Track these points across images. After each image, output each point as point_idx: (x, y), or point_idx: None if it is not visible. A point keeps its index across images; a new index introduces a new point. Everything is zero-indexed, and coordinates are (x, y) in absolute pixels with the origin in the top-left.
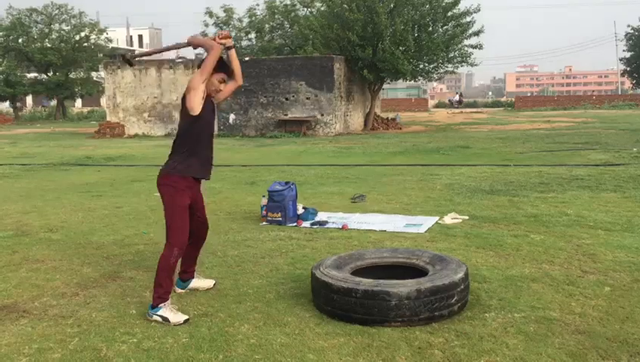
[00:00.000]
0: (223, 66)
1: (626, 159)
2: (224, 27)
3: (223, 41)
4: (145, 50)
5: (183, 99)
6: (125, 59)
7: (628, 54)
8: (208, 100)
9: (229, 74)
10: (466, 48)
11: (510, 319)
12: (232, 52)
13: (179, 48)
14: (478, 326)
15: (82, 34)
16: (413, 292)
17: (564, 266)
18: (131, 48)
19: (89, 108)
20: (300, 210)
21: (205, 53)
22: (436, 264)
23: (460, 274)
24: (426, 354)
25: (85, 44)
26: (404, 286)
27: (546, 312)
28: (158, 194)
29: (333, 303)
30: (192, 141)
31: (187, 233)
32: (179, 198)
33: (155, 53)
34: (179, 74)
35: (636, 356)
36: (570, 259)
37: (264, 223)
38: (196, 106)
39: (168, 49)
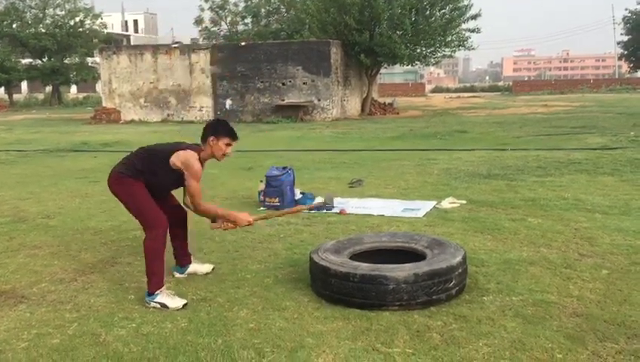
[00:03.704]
0: (231, 132)
1: (624, 143)
2: (220, 12)
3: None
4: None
5: (175, 163)
6: None
7: (625, 38)
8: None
9: (237, 138)
10: (463, 32)
11: (508, 302)
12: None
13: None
14: (476, 310)
15: (77, 19)
16: (410, 276)
17: (561, 249)
18: (126, 33)
19: (84, 94)
20: (298, 195)
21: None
22: (434, 248)
23: (458, 258)
24: (424, 338)
25: (80, 29)
26: (401, 271)
27: (543, 295)
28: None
29: (332, 287)
30: (154, 178)
31: (162, 214)
32: (135, 190)
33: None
34: (175, 59)
35: (633, 338)
36: (567, 243)
37: (262, 208)
38: (192, 178)
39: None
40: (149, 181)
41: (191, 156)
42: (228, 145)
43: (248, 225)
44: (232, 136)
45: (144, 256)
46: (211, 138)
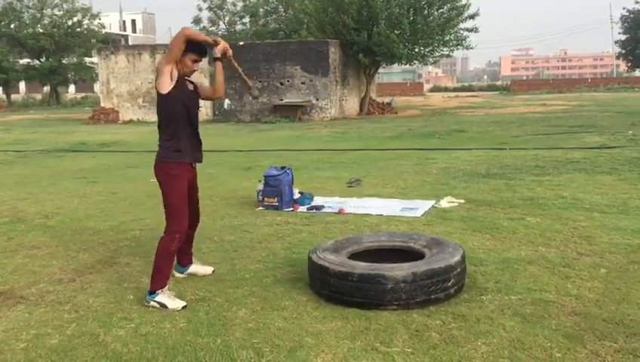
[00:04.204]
0: (196, 47)
1: (622, 142)
2: (218, 11)
3: (218, 44)
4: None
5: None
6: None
7: (623, 37)
8: (183, 81)
9: (203, 54)
10: (461, 32)
11: (507, 301)
12: (219, 65)
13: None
14: (474, 309)
15: (75, 19)
16: (409, 275)
17: (560, 248)
18: (124, 33)
19: (83, 95)
20: (297, 195)
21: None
22: (433, 247)
23: (457, 258)
24: (423, 337)
25: (78, 29)
26: (400, 270)
27: (542, 294)
28: (155, 180)
29: (330, 287)
30: (170, 122)
31: (187, 219)
32: (177, 185)
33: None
34: None
35: (632, 336)
36: (566, 242)
37: (260, 208)
38: (162, 86)
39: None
40: (169, 120)
41: (161, 59)
42: (194, 61)
43: (224, 52)
44: (196, 49)
45: (156, 252)
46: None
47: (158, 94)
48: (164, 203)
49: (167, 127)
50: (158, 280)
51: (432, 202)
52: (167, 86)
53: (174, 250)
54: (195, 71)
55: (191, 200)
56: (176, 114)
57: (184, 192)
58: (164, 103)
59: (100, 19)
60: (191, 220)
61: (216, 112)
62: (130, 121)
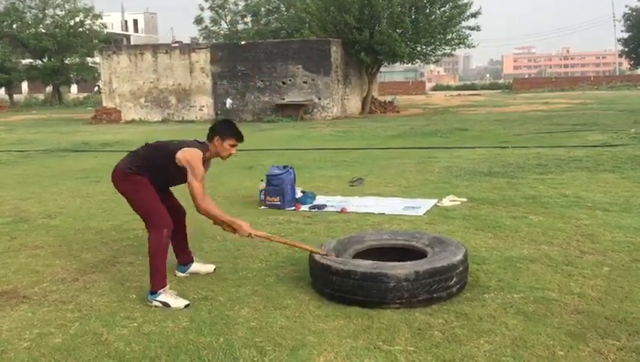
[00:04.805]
0: (239, 135)
1: (624, 140)
2: (219, 11)
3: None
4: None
5: (178, 158)
6: None
7: (626, 35)
8: (205, 162)
9: (242, 141)
10: (463, 30)
11: (509, 299)
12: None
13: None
14: (477, 307)
15: (77, 19)
16: (411, 274)
17: (562, 247)
18: (126, 33)
19: (85, 94)
20: (299, 194)
21: None
22: (435, 246)
23: (459, 256)
24: (425, 335)
25: (80, 29)
26: (402, 268)
27: (544, 292)
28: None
29: (333, 285)
30: (157, 172)
31: (166, 211)
32: (141, 185)
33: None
34: (175, 58)
35: (635, 335)
36: (568, 240)
37: (263, 207)
38: (197, 173)
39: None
40: (153, 177)
41: (195, 154)
42: (233, 145)
43: (247, 237)
44: (238, 137)
45: (148, 254)
46: (216, 138)
47: (180, 165)
48: (136, 211)
49: (149, 169)
50: (158, 280)
51: (435, 201)
52: (198, 181)
53: (165, 245)
54: (232, 154)
55: (163, 197)
56: (168, 177)
57: (152, 191)
58: (173, 166)
59: (102, 19)
60: (172, 214)
61: (218, 112)
62: (133, 121)
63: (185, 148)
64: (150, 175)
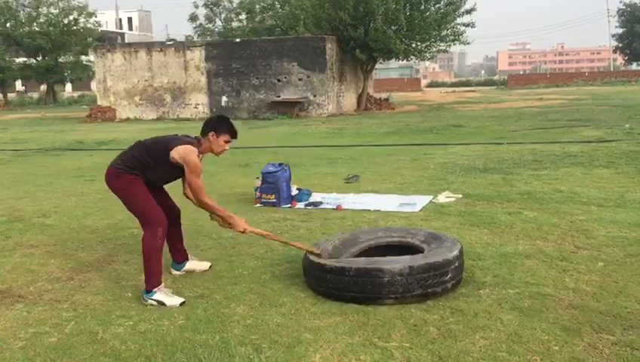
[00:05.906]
0: (233, 131)
1: (619, 135)
2: (214, 8)
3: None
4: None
5: (175, 157)
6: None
7: (620, 30)
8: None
9: (236, 138)
10: (458, 26)
11: (504, 295)
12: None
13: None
14: (472, 303)
15: (71, 17)
16: (405, 268)
17: (557, 242)
18: (120, 31)
19: (79, 93)
20: (294, 191)
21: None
22: (431, 242)
23: (455, 252)
24: (421, 331)
25: (74, 27)
26: (396, 263)
27: (539, 288)
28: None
29: (327, 283)
30: (153, 171)
31: (160, 210)
32: (135, 184)
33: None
34: (169, 56)
35: (629, 329)
36: (563, 236)
37: (258, 205)
38: (194, 169)
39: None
40: (147, 175)
41: (191, 151)
42: (227, 141)
43: (242, 232)
44: (232, 133)
45: (143, 253)
46: (211, 134)
47: (174, 162)
48: (130, 210)
49: (142, 167)
50: (152, 279)
51: (430, 197)
52: (197, 176)
53: (160, 243)
54: (225, 150)
55: (157, 196)
56: (161, 174)
57: (146, 190)
58: (166, 164)
59: (96, 17)
60: (167, 213)
61: (214, 109)
62: (127, 119)
63: (179, 146)
64: (143, 173)
